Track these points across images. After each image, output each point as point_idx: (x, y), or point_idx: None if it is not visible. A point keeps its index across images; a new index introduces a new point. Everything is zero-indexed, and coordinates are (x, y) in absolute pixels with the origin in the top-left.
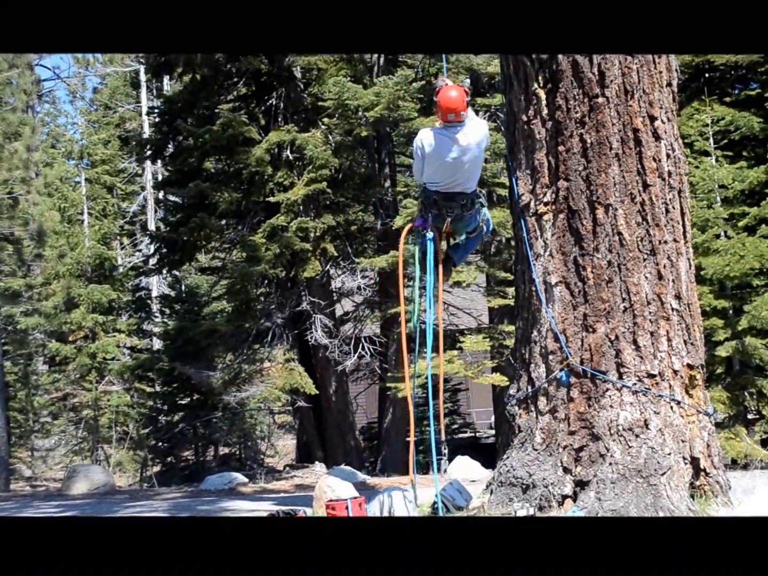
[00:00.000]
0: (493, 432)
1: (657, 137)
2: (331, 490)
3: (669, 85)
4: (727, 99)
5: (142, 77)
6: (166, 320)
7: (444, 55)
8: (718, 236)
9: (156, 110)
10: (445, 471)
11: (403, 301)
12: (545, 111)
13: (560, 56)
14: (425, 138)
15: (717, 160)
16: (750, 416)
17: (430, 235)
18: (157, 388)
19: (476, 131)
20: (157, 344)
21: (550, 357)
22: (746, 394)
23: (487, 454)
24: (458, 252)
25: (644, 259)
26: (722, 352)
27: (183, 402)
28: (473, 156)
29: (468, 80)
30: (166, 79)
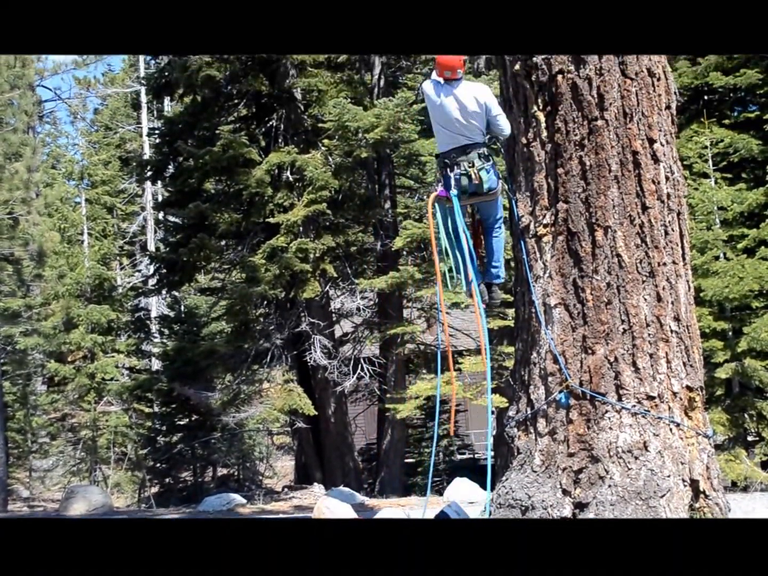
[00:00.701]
0: (492, 453)
1: (656, 160)
2: (329, 511)
3: (668, 107)
4: (726, 121)
5: (143, 98)
6: (165, 341)
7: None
8: (717, 258)
9: (156, 131)
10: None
11: (438, 269)
12: (544, 133)
13: (559, 78)
14: (426, 87)
15: (716, 182)
16: (750, 438)
17: (461, 182)
18: (156, 409)
19: (474, 89)
20: (156, 365)
21: (550, 379)
22: (746, 416)
23: (486, 476)
24: (493, 257)
25: (643, 281)
26: (722, 373)
27: (182, 423)
28: (472, 111)
29: None
30: (166, 100)
